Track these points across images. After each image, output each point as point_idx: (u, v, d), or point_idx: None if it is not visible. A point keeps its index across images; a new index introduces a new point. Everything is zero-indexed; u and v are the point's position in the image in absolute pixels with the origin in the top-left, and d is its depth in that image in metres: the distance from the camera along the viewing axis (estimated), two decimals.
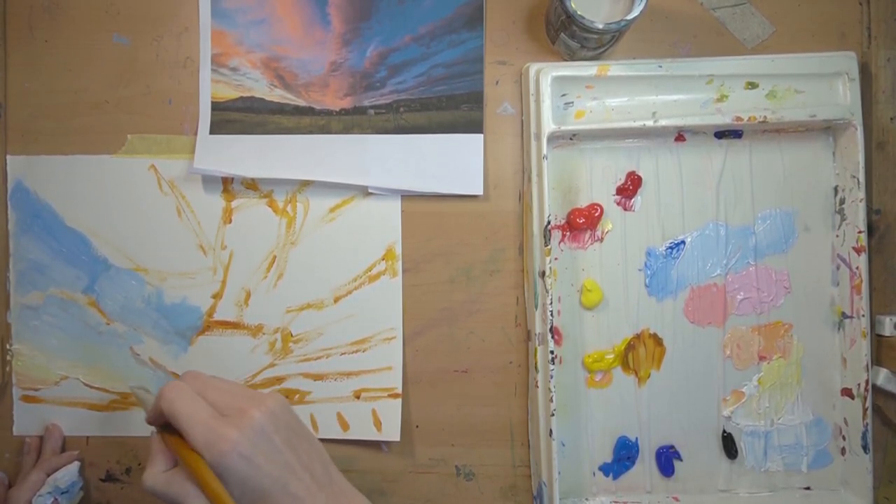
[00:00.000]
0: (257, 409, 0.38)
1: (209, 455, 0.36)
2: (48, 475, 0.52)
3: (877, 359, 0.51)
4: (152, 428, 0.41)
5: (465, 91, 0.53)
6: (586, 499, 0.52)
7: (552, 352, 0.49)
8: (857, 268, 0.50)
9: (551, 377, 0.49)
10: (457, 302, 0.54)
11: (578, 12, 0.46)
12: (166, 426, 0.39)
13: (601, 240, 0.53)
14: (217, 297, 0.54)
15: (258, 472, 0.36)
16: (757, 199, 0.53)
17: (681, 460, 0.53)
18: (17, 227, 0.55)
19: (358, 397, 0.54)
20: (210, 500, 0.36)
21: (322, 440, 0.54)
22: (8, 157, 0.55)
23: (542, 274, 0.50)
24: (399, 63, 0.54)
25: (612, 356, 0.53)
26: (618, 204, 0.53)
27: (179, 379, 0.41)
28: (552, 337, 0.50)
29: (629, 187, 0.52)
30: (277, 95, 0.54)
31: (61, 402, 0.55)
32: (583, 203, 0.53)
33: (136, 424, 0.55)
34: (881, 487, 0.53)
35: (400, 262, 0.54)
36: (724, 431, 0.53)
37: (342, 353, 0.54)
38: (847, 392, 0.52)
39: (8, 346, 0.55)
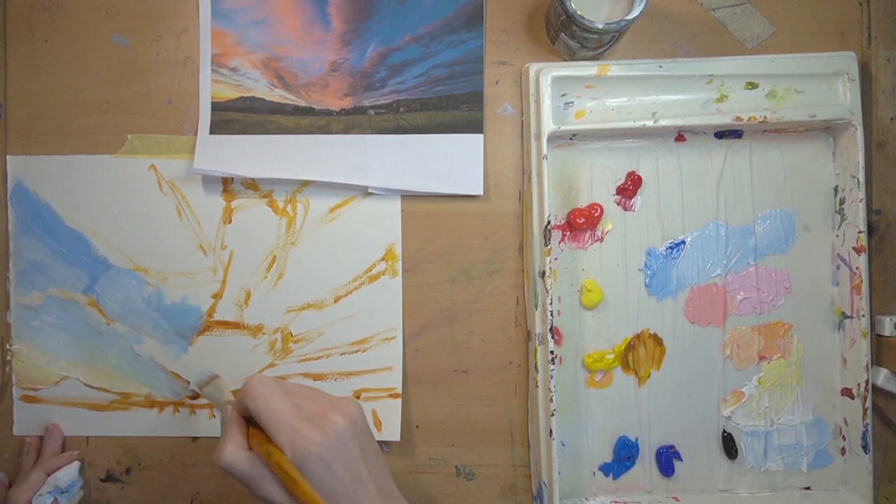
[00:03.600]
0: (340, 415, 0.38)
1: (292, 455, 0.36)
2: (48, 475, 0.52)
3: (877, 359, 0.51)
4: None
5: (465, 91, 0.53)
6: (586, 499, 0.52)
7: (552, 352, 0.49)
8: (857, 268, 0.50)
9: (551, 377, 0.49)
10: (457, 302, 0.54)
11: (578, 12, 0.46)
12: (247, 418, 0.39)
13: (601, 240, 0.53)
14: (217, 297, 0.54)
15: (334, 479, 0.36)
16: (757, 199, 0.53)
17: (681, 460, 0.53)
18: (17, 227, 0.55)
19: (358, 397, 0.54)
20: (296, 495, 0.36)
21: None
22: (8, 157, 0.55)
23: (542, 274, 0.50)
24: (399, 63, 0.54)
25: (612, 356, 0.53)
26: (618, 204, 0.53)
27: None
28: (552, 337, 0.50)
29: (629, 187, 0.52)
30: (277, 95, 0.54)
31: (61, 402, 0.55)
32: (583, 203, 0.53)
33: (137, 424, 0.55)
34: (881, 487, 0.53)
35: (400, 262, 0.54)
36: (724, 431, 0.53)
37: (342, 353, 0.54)
38: (847, 392, 0.52)
39: (8, 346, 0.55)
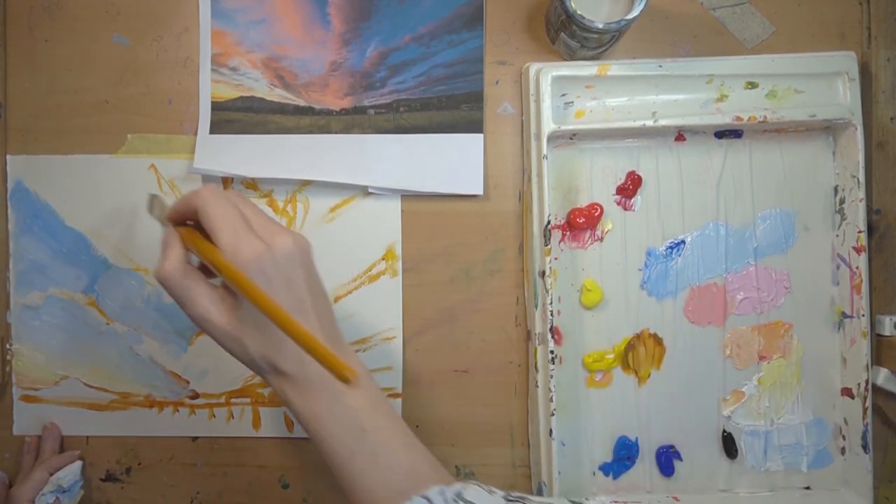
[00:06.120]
0: (290, 238, 0.36)
1: (232, 259, 0.34)
2: (51, 474, 0.52)
3: (877, 359, 0.51)
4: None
5: (465, 91, 0.53)
6: (586, 499, 0.52)
7: (552, 352, 0.49)
8: (857, 268, 0.50)
9: (551, 377, 0.49)
10: (457, 302, 0.54)
11: (578, 12, 0.46)
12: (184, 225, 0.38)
13: (601, 240, 0.53)
14: None
15: (272, 296, 0.34)
16: (757, 199, 0.53)
17: (681, 460, 0.53)
18: (17, 227, 0.55)
19: None
20: (248, 294, 0.33)
21: None
22: (8, 157, 0.54)
23: (542, 274, 0.50)
24: (399, 63, 0.54)
25: (612, 356, 0.53)
26: (618, 204, 0.53)
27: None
28: (552, 337, 0.50)
29: (629, 187, 0.52)
30: (277, 95, 0.54)
31: (61, 401, 0.55)
32: (583, 203, 0.53)
33: (136, 424, 0.55)
34: (881, 487, 0.52)
35: (400, 262, 0.54)
36: (724, 431, 0.53)
37: None
38: (847, 392, 0.52)
39: (8, 346, 0.55)
